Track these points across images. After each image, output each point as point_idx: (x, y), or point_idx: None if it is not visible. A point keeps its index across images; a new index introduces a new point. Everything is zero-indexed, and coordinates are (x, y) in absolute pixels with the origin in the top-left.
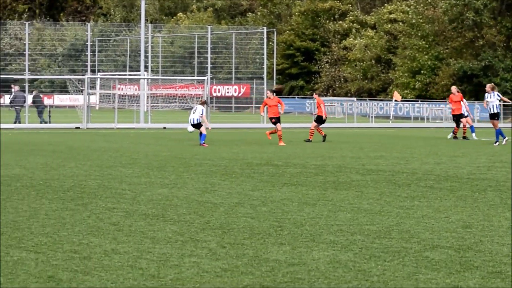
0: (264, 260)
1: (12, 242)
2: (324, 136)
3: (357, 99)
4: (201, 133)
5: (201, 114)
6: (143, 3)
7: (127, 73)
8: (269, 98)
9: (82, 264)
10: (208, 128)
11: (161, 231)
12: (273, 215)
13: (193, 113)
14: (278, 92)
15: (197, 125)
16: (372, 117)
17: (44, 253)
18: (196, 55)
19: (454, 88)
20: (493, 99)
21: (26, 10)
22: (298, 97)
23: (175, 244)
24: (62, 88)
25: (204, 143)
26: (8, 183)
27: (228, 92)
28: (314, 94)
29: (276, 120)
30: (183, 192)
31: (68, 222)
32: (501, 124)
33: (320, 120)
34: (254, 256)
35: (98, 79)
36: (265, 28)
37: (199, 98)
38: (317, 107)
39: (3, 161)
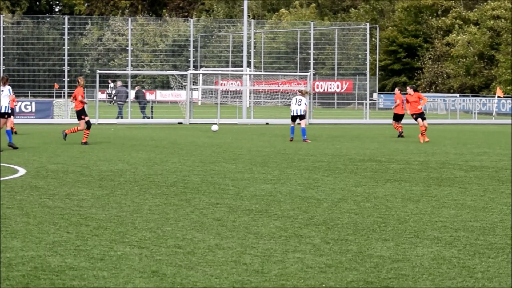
0: (368, 256)
1: (116, 237)
2: (400, 133)
3: (459, 95)
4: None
5: (306, 105)
6: None
7: (230, 68)
8: (410, 94)
9: (186, 259)
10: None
11: (264, 226)
12: (377, 211)
13: (298, 104)
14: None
15: (302, 116)
16: (474, 113)
17: (148, 248)
18: (298, 51)
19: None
20: None
21: (129, 5)
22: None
23: (279, 239)
24: (165, 84)
25: (306, 139)
26: (111, 178)
27: (330, 88)
28: (396, 89)
29: (417, 116)
30: (286, 187)
31: (171, 217)
32: None
33: (396, 117)
34: (358, 252)
35: (201, 75)
36: (367, 24)
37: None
38: (395, 102)
39: (106, 156)
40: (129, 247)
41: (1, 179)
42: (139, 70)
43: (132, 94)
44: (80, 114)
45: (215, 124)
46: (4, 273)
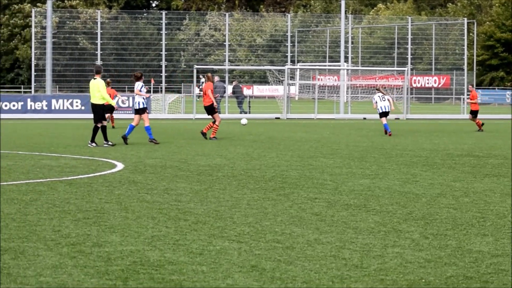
0: (468, 251)
1: (215, 231)
2: (480, 126)
3: None
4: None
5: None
6: None
7: (327, 63)
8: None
9: (285, 254)
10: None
11: (363, 221)
12: (476, 206)
13: (383, 100)
14: None
15: (386, 113)
16: None
17: (246, 243)
18: (396, 46)
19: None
20: None
21: (225, 0)
22: (498, 88)
23: (377, 234)
24: (262, 79)
25: (391, 132)
26: (210, 173)
27: (428, 83)
28: (469, 86)
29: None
30: (384, 182)
31: (270, 212)
32: None
33: (472, 112)
34: (457, 247)
35: (298, 70)
36: (465, 19)
37: (399, 89)
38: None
39: (204, 150)
40: (228, 242)
41: (100, 173)
42: (236, 65)
43: (229, 89)
44: (212, 108)
45: (245, 118)
46: (103, 267)
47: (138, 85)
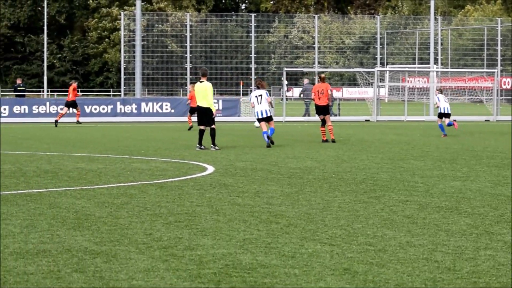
0: None
1: (307, 234)
2: None
3: None
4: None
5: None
6: None
7: (416, 65)
8: None
9: (377, 257)
10: None
11: (455, 223)
12: None
13: (446, 101)
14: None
15: (446, 115)
16: None
17: (338, 246)
18: (485, 47)
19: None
20: None
21: (314, 3)
22: None
23: (469, 237)
24: (351, 81)
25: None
26: (300, 175)
27: None
28: None
29: None
30: (476, 184)
31: (361, 214)
32: None
33: None
34: None
35: (387, 72)
36: None
37: (489, 91)
38: None
39: (294, 153)
40: (319, 245)
41: (191, 177)
42: (326, 68)
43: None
44: (327, 109)
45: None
46: (195, 271)
47: (266, 92)
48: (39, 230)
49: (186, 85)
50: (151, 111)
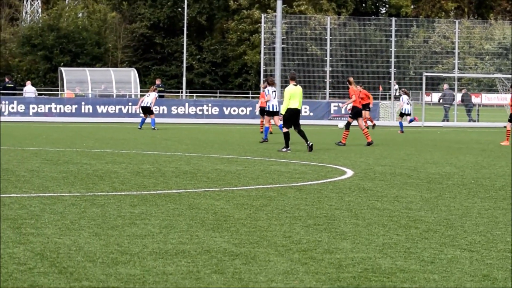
0: None
1: (446, 240)
2: None
3: None
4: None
5: None
6: None
7: None
8: None
9: None
10: None
11: None
12: None
13: (409, 103)
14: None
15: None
16: None
17: (478, 252)
18: None
19: None
20: None
21: (455, 8)
22: None
23: None
24: (490, 87)
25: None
26: (439, 181)
27: None
28: None
29: None
30: None
31: (501, 221)
32: None
33: None
34: None
35: None
36: None
37: None
38: None
39: (433, 158)
40: (459, 251)
41: (329, 180)
42: (465, 73)
43: (458, 97)
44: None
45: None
46: (335, 274)
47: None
48: (178, 230)
49: (325, 89)
50: None
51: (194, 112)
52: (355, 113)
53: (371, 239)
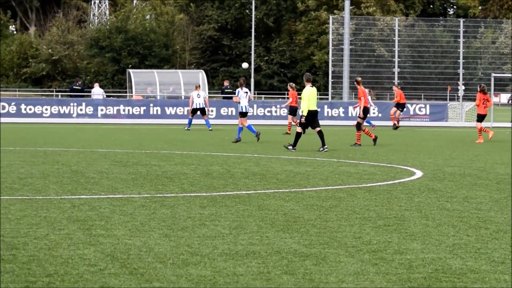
0: None
1: None
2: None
3: None
4: None
5: None
6: None
7: None
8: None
9: None
10: None
11: None
12: None
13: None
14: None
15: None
16: None
17: None
18: None
19: None
20: None
21: None
22: None
23: None
24: None
25: None
26: (509, 181)
27: None
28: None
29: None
30: None
31: None
32: None
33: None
34: None
35: None
36: None
37: None
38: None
39: (503, 159)
40: None
41: (399, 181)
42: None
43: None
44: None
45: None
46: (405, 275)
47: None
48: (248, 231)
49: (393, 90)
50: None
51: (262, 114)
52: (366, 113)
53: (441, 239)
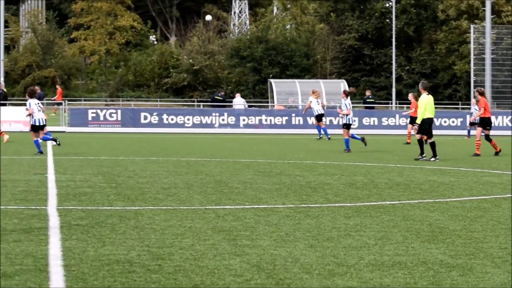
0: None
1: None
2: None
3: None
4: None
5: None
6: None
7: None
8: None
9: None
10: None
11: None
12: None
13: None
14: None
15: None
16: None
17: None
18: None
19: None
20: None
21: None
22: None
23: None
24: None
25: None
26: None
27: None
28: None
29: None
30: None
31: None
32: None
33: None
34: None
35: None
36: None
37: None
38: None
39: None
40: None
41: None
42: None
43: None
44: None
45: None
46: None
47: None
48: (394, 242)
49: None
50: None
51: (404, 124)
52: (486, 124)
53: None
